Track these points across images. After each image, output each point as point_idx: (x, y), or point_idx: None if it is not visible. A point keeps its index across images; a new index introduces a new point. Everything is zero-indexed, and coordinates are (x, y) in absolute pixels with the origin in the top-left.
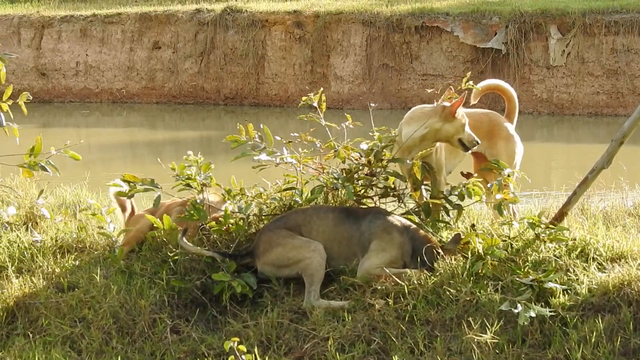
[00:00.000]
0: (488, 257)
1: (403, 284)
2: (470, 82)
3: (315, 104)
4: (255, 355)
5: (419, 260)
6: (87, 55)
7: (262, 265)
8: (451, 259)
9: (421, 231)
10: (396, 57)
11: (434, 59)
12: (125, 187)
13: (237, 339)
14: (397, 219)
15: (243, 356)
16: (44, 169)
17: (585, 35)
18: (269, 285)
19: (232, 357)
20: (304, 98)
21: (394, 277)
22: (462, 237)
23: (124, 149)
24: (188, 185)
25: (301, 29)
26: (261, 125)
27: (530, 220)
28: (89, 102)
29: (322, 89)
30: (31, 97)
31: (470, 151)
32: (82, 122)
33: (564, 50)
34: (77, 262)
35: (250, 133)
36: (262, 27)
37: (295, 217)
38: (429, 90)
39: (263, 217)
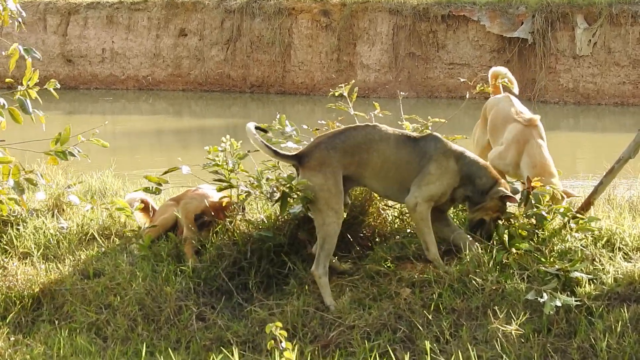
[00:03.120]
0: (513, 248)
1: (429, 272)
2: (505, 80)
3: (345, 94)
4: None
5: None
6: (113, 42)
7: (303, 177)
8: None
9: (483, 170)
10: (422, 45)
11: (460, 48)
12: (152, 185)
13: (279, 324)
14: (458, 151)
15: (282, 343)
16: (71, 154)
17: (612, 25)
18: (295, 271)
19: (272, 341)
20: (336, 92)
21: (426, 230)
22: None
23: (150, 136)
24: (216, 172)
25: (328, 17)
26: (280, 116)
27: (560, 209)
28: (114, 89)
29: (353, 81)
30: (59, 86)
31: None
32: (108, 109)
33: (590, 40)
34: (103, 249)
35: (282, 123)
36: (289, 15)
37: (355, 136)
38: (461, 80)
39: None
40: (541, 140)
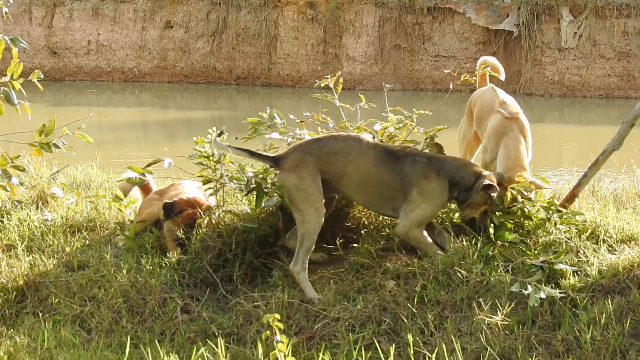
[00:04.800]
0: (497, 240)
1: (414, 265)
2: (488, 69)
3: (331, 85)
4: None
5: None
6: (98, 34)
7: (279, 178)
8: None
9: (464, 167)
10: (408, 38)
11: (446, 41)
12: (136, 175)
13: (277, 316)
14: (436, 160)
15: (277, 336)
16: (56, 146)
17: (597, 17)
18: (280, 263)
19: (267, 332)
20: (322, 82)
21: (427, 249)
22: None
23: (136, 128)
24: (201, 163)
25: (314, 10)
26: (270, 109)
27: (544, 204)
28: (100, 81)
29: (339, 72)
30: (42, 76)
31: None
32: (93, 101)
33: (575, 33)
34: (88, 241)
35: (272, 115)
36: (275, 7)
37: (333, 144)
38: (446, 71)
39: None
40: (520, 134)
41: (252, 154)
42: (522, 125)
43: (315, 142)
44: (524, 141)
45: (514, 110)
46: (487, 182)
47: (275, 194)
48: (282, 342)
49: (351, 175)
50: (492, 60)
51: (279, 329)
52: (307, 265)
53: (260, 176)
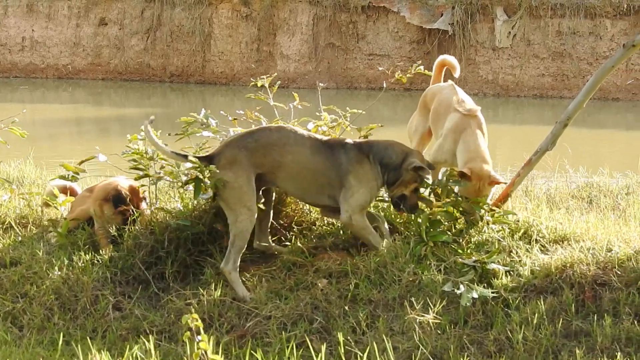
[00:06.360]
0: (430, 240)
1: (346, 263)
2: (421, 67)
3: (266, 85)
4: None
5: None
6: (33, 30)
7: (215, 177)
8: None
9: (391, 147)
10: (342, 36)
11: (380, 39)
12: (69, 173)
13: (195, 316)
14: (365, 145)
15: (199, 336)
16: None
17: (531, 17)
18: (213, 261)
19: (188, 333)
20: (257, 82)
21: (370, 237)
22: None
23: (70, 125)
24: (134, 160)
25: (248, 7)
26: (205, 112)
27: (475, 201)
28: (34, 78)
29: (275, 73)
30: None
31: None
32: (27, 98)
33: (509, 32)
34: (20, 238)
35: (206, 117)
36: (209, 4)
37: (268, 135)
38: (380, 69)
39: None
40: (479, 130)
41: (187, 158)
42: (480, 123)
43: (249, 135)
44: (482, 136)
45: (472, 107)
46: (417, 163)
47: (210, 190)
48: (203, 340)
49: (289, 166)
50: (450, 58)
51: (201, 328)
52: (238, 265)
53: (198, 169)
